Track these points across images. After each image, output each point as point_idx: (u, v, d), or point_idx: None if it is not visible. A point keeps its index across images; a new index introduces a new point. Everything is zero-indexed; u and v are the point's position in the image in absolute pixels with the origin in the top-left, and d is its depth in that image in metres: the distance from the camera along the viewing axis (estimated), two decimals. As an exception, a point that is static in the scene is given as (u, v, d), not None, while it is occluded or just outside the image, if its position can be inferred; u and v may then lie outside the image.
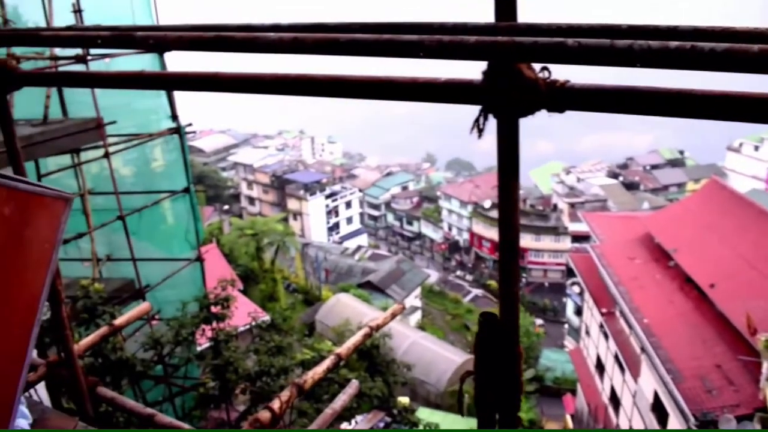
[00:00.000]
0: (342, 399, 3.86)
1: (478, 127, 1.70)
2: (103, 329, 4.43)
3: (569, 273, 43.81)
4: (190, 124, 13.90)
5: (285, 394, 3.46)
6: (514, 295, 1.93)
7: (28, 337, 2.80)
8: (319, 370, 3.69)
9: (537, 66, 1.61)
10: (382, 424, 20.88)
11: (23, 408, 3.19)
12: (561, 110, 1.60)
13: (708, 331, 20.87)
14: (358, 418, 20.04)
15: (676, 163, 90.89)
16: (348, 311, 33.23)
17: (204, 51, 1.96)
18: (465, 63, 1.63)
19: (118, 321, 4.62)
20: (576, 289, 44.27)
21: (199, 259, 13.88)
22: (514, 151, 1.77)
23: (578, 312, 41.18)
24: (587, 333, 32.64)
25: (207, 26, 2.08)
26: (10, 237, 2.69)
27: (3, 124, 3.04)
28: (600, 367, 29.92)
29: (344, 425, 18.52)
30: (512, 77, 1.57)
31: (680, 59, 1.33)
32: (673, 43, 1.34)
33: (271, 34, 1.87)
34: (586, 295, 31.86)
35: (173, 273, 13.13)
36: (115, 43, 2.25)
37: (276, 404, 3.34)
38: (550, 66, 1.57)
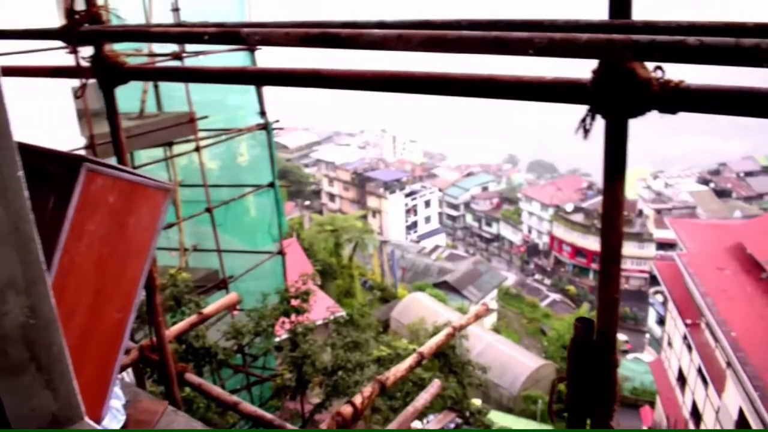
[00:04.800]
0: (423, 398, 3.85)
1: (585, 128, 1.65)
2: (193, 317, 4.58)
3: (653, 281, 42.39)
4: (277, 121, 14.17)
5: (367, 390, 3.48)
6: (614, 302, 1.87)
7: (126, 320, 2.93)
8: (401, 367, 3.70)
9: (649, 66, 1.54)
10: (452, 425, 20.74)
11: (117, 389, 3.33)
12: (674, 111, 1.53)
13: (803, 350, 19.76)
14: (430, 417, 19.99)
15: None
16: (423, 310, 33.21)
17: (310, 47, 1.98)
18: (562, 62, 1.58)
19: (207, 310, 4.76)
20: (659, 298, 42.77)
21: (281, 252, 14.15)
22: (621, 152, 1.70)
23: (661, 322, 39.78)
24: (669, 344, 31.45)
25: (312, 23, 2.09)
26: (114, 224, 2.82)
27: (110, 117, 3.18)
28: (681, 380, 28.77)
29: (416, 423, 18.51)
30: (624, 76, 1.51)
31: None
32: (811, 42, 1.25)
33: (377, 30, 1.86)
34: (670, 305, 30.68)
35: (256, 265, 13.42)
36: (222, 39, 2.30)
37: (358, 400, 3.36)
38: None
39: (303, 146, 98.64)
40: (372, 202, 74.46)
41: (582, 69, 1.64)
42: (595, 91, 1.57)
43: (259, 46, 12.13)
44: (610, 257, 1.82)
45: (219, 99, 13.59)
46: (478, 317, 4.95)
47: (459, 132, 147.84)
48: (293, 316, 11.65)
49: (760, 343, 20.83)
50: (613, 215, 1.75)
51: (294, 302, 11.52)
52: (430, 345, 4.12)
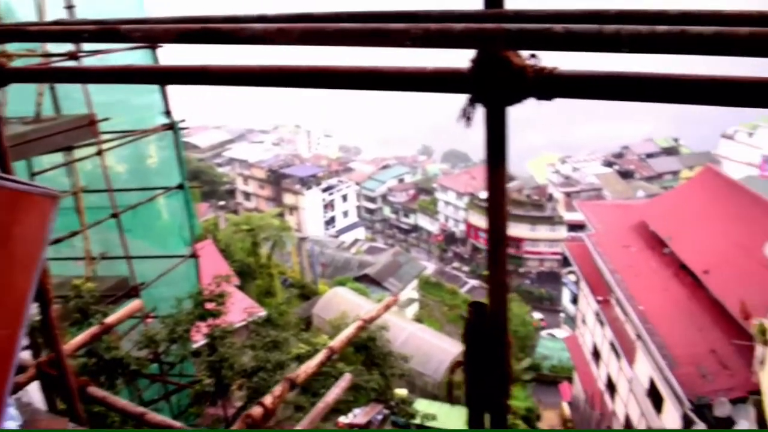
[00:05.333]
0: (334, 392, 3.85)
1: (466, 116, 1.67)
2: (94, 328, 4.39)
3: (565, 262, 44.04)
4: (183, 120, 13.82)
5: (277, 390, 3.44)
6: (503, 284, 1.92)
7: (15, 337, 2.76)
8: (312, 364, 3.67)
9: (527, 54, 1.58)
10: (380, 417, 20.87)
11: (12, 410, 3.15)
12: (549, 98, 1.57)
13: (702, 317, 20.98)
14: (356, 411, 20.02)
15: (670, 151, 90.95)
16: (345, 304, 33.22)
17: (190, 43, 1.92)
18: (466, 52, 1.59)
19: (109, 319, 4.58)
20: (572, 277, 44.44)
21: (194, 255, 13.83)
22: (501, 139, 1.74)
23: (574, 300, 41.31)
24: (583, 321, 32.75)
25: (193, 18, 2.03)
26: (-4, 236, 2.66)
27: (-12, 122, 3.00)
28: (596, 354, 30.03)
29: (342, 419, 18.51)
30: (499, 65, 1.54)
31: (669, 44, 1.30)
32: (662, 28, 1.31)
33: (257, 25, 1.82)
34: (582, 284, 31.95)
35: (168, 270, 13.08)
36: (102, 36, 2.21)
37: (268, 400, 3.31)
38: (548, 54, 1.54)
39: (215, 145, 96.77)
40: (288, 199, 73.90)
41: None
42: (474, 80, 1.60)
43: (161, 44, 11.79)
44: (497, 241, 1.87)
45: (122, 100, 13.11)
46: (387, 308, 5.01)
47: (373, 125, 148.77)
48: (210, 320, 11.41)
49: (666, 315, 21.99)
50: (497, 201, 1.80)
51: (209, 305, 11.28)
52: (340, 339, 4.12)
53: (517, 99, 1.59)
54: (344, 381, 4.05)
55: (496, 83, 1.58)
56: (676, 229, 25.76)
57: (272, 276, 38.55)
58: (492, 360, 1.97)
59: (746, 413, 17.13)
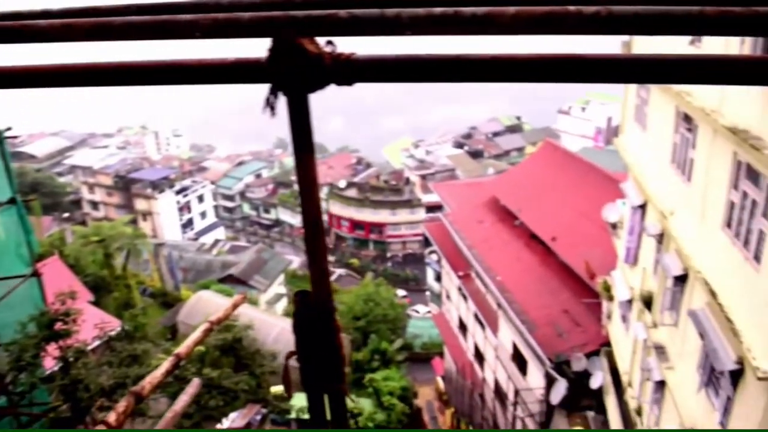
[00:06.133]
0: (183, 399, 3.72)
1: (269, 105, 1.65)
2: None
3: (427, 242, 45.39)
4: (9, 128, 12.75)
5: (121, 405, 3.26)
6: (324, 271, 1.94)
7: None
8: (157, 374, 3.51)
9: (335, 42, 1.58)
10: (258, 417, 20.56)
11: None
12: (349, 83, 1.58)
13: (554, 281, 22.48)
14: (232, 415, 19.57)
15: (514, 128, 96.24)
16: (211, 308, 32.22)
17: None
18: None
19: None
20: (434, 257, 45.86)
21: (36, 274, 12.84)
22: (306, 128, 1.74)
23: (438, 278, 42.68)
24: (448, 297, 33.94)
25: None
26: None
27: None
28: (463, 327, 31.25)
29: (218, 426, 18.05)
30: (294, 53, 1.53)
31: (445, 24, 1.35)
32: (438, 9, 1.35)
33: (41, 21, 1.69)
34: (443, 262, 33.06)
35: (7, 293, 12.04)
36: None
37: (112, 417, 3.13)
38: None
39: (54, 153, 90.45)
40: (141, 204, 70.71)
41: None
42: (272, 70, 1.58)
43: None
44: (313, 229, 1.87)
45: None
46: (235, 307, 4.92)
47: (225, 122, 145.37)
48: (61, 342, 10.70)
49: (522, 282, 23.34)
50: (309, 190, 1.80)
51: (57, 326, 10.55)
52: (187, 344, 3.99)
53: (317, 86, 1.59)
54: (192, 387, 3.92)
55: (294, 71, 1.57)
56: (524, 201, 27.32)
57: (130, 287, 36.80)
58: (323, 346, 1.99)
59: (600, 364, 18.61)
